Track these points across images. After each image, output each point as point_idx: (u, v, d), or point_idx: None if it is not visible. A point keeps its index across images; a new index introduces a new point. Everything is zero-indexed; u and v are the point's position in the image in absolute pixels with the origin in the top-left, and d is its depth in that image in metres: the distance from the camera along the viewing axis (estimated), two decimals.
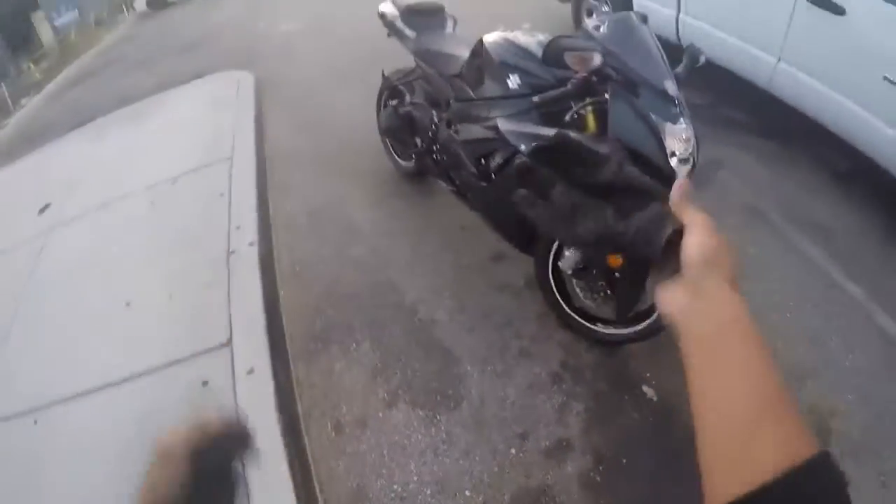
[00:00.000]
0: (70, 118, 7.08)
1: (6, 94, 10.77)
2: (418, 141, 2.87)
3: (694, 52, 1.89)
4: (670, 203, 0.48)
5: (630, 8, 4.27)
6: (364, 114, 3.68)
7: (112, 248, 3.43)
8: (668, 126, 1.67)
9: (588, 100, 1.77)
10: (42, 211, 4.28)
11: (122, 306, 2.89)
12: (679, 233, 0.46)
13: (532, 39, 2.13)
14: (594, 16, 4.81)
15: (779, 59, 3.03)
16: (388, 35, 3.02)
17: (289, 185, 3.69)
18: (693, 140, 1.72)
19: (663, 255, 0.47)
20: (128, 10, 17.91)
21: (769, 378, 0.40)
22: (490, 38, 2.22)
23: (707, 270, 0.44)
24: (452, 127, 2.44)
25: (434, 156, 2.71)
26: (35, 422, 2.49)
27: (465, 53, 2.45)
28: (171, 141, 4.62)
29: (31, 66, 13.04)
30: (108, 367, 2.59)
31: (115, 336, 2.76)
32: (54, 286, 3.34)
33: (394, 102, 3.09)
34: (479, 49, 2.24)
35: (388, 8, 3.02)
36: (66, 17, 19.99)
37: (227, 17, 10.83)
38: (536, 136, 1.87)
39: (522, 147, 1.91)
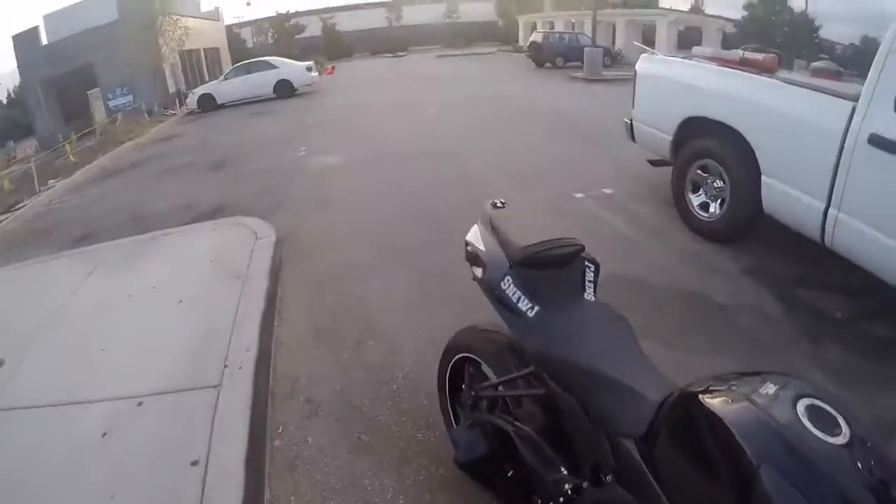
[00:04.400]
0: (75, 227, 6.38)
1: (35, 172, 10.52)
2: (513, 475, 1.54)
3: None
4: None
5: (757, 189, 3.36)
6: (415, 324, 2.80)
7: (53, 484, 2.24)
8: None
9: None
10: None
11: None
12: None
13: None
14: (701, 190, 3.95)
15: None
16: (472, 277, 1.69)
17: (296, 453, 2.26)
18: None
19: None
20: (180, 105, 18.45)
21: None
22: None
23: None
24: None
25: None
26: None
27: (653, 397, 1.16)
28: (153, 324, 3.43)
29: (69, 147, 12.96)
30: None
31: None
32: None
33: (483, 403, 1.66)
34: (688, 403, 1.06)
35: (474, 239, 1.66)
36: (120, 101, 21.23)
37: (269, 135, 10.53)
38: None
39: None
